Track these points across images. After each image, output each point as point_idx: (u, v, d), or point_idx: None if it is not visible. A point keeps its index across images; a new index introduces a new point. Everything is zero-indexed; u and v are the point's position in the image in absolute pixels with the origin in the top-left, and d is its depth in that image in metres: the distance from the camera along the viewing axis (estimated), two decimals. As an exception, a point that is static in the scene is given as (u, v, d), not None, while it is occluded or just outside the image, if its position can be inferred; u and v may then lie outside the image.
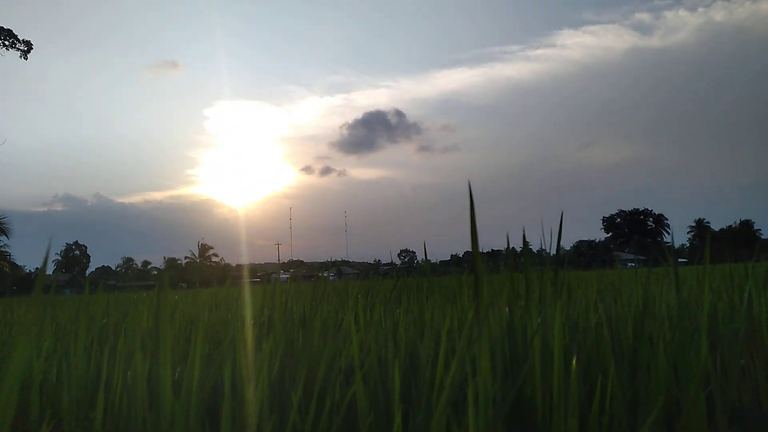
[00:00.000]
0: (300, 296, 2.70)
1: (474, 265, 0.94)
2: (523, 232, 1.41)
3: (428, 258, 2.30)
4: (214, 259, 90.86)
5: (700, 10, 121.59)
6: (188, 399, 1.07)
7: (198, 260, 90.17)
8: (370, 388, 1.26)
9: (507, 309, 1.32)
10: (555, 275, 1.95)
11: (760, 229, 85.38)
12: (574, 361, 1.01)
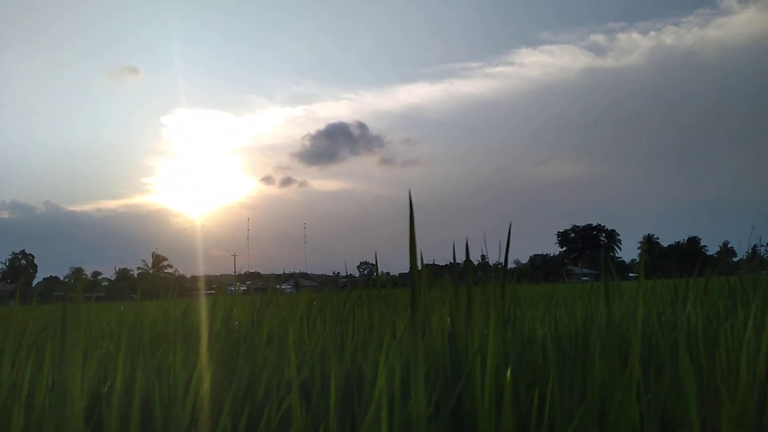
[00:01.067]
0: (250, 308, 2.65)
1: (411, 276, 0.93)
2: (466, 244, 1.41)
3: (380, 270, 2.29)
4: (167, 269, 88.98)
5: (652, 33, 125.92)
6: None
7: (151, 271, 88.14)
8: (307, 399, 1.24)
9: (449, 320, 1.32)
10: (502, 288, 1.96)
11: (706, 246, 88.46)
12: (508, 373, 1.01)
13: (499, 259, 1.77)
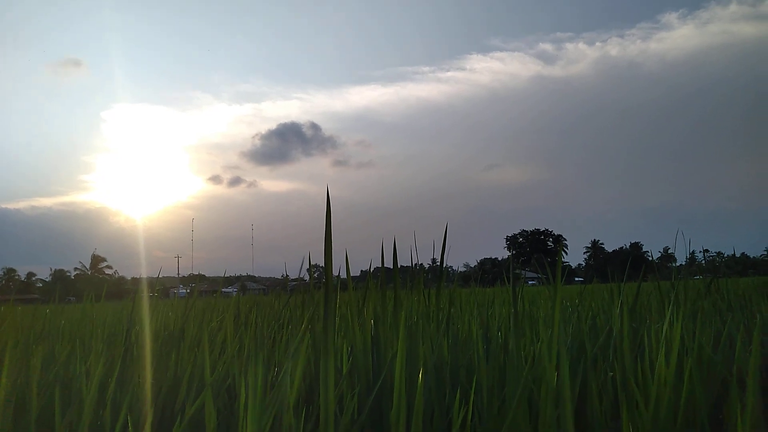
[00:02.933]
0: (181, 312, 2.57)
1: (326, 279, 0.90)
2: (394, 247, 1.38)
3: (331, 273, 2.25)
4: (107, 271, 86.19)
5: (598, 44, 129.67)
6: None
7: (89, 272, 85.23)
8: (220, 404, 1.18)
9: (372, 323, 1.28)
10: (437, 290, 1.95)
11: (648, 251, 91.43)
12: (420, 376, 0.99)
13: (447, 262, 1.75)
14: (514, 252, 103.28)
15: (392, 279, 1.44)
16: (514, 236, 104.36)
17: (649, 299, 2.80)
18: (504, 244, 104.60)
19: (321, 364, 0.86)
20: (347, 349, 1.38)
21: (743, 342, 1.47)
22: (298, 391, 1.06)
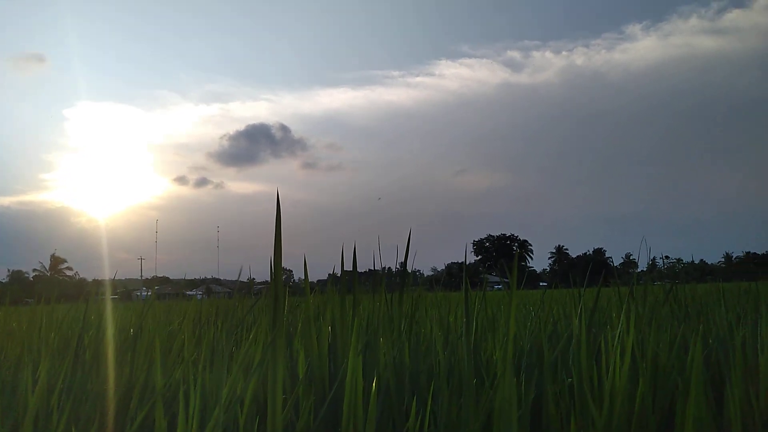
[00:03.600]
0: (135, 314, 2.51)
1: (275, 283, 0.88)
2: (354, 252, 1.37)
3: (297, 277, 2.22)
4: (67, 272, 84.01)
5: (564, 53, 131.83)
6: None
7: (48, 274, 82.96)
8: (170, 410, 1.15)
9: (330, 329, 1.27)
10: (400, 295, 1.94)
11: (610, 257, 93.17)
12: (374, 384, 0.97)
13: (415, 266, 1.75)
14: (480, 257, 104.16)
15: (352, 283, 1.43)
16: (481, 241, 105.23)
17: (608, 304, 2.84)
18: (471, 248, 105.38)
19: (269, 371, 0.84)
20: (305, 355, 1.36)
21: (695, 348, 1.50)
22: (251, 400, 1.04)
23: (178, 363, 1.54)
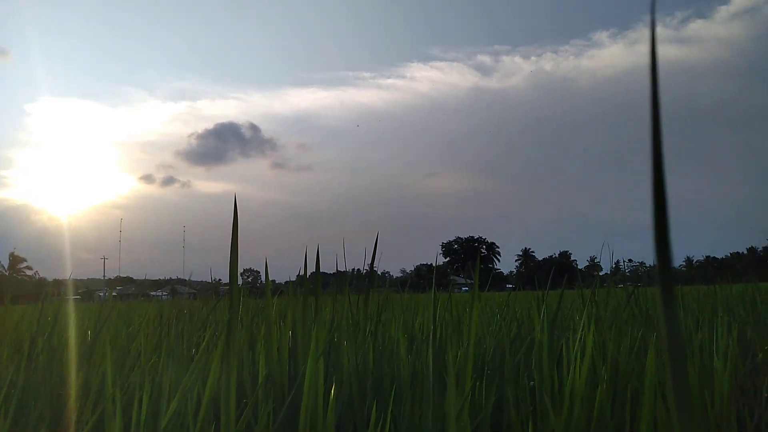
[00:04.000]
0: (97, 317, 2.45)
1: (230, 286, 0.86)
2: (317, 253, 1.35)
3: (265, 278, 2.18)
4: (27, 272, 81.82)
5: (533, 58, 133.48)
6: None
7: (7, 273, 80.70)
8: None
9: (290, 332, 1.25)
10: (366, 297, 1.92)
11: (576, 260, 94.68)
12: (333, 390, 0.96)
13: (384, 268, 1.74)
14: (449, 259, 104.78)
15: (314, 285, 1.41)
16: (450, 243, 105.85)
17: (571, 307, 2.87)
18: (440, 250, 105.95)
19: (223, 376, 0.82)
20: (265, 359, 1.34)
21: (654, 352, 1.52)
22: (208, 404, 1.02)
23: (136, 366, 1.51)
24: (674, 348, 0.29)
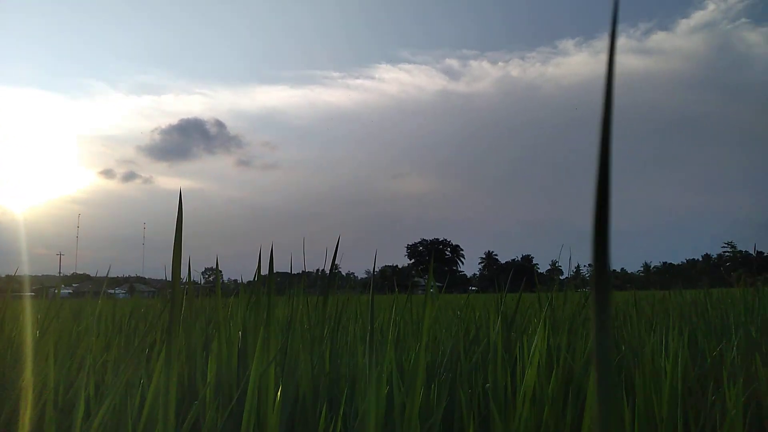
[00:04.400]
0: (44, 316, 2.38)
1: (172, 287, 0.83)
2: (271, 254, 1.33)
3: (227, 278, 2.14)
4: (-23, 268, 79.00)
5: (500, 64, 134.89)
6: None
7: (-42, 269, 77.82)
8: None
9: (240, 334, 1.22)
10: (324, 298, 1.91)
11: (537, 264, 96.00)
12: (279, 392, 0.94)
13: (349, 268, 1.72)
14: (413, 260, 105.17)
15: (267, 285, 1.38)
16: (415, 245, 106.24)
17: (529, 311, 2.89)
18: (405, 252, 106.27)
19: (162, 378, 0.80)
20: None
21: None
22: (151, 405, 0.99)
23: (81, 367, 1.46)
24: (601, 355, 0.29)
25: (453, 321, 3.28)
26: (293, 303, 1.80)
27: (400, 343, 1.83)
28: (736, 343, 1.78)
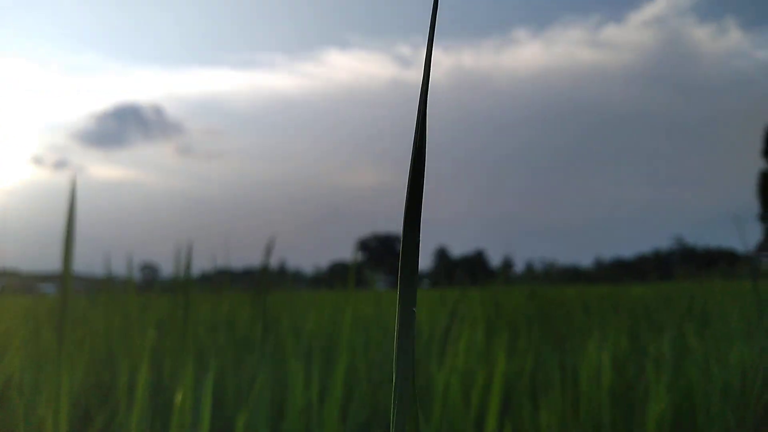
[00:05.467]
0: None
1: (63, 287, 0.73)
2: (188, 252, 1.22)
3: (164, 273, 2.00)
4: None
5: (453, 53, 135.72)
6: None
7: None
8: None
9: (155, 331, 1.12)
10: (263, 295, 1.81)
11: (490, 258, 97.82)
12: (205, 398, 0.85)
13: (296, 263, 1.63)
14: (365, 255, 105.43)
15: (184, 284, 1.28)
16: (367, 239, 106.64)
17: (472, 306, 2.85)
18: (356, 246, 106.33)
19: (54, 379, 0.71)
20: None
21: (536, 354, 1.49)
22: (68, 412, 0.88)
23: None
24: (403, 355, 0.29)
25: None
26: (223, 302, 1.70)
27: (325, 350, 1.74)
28: (668, 338, 1.76)
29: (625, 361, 1.54)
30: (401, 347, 0.28)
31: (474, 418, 1.14)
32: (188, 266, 1.24)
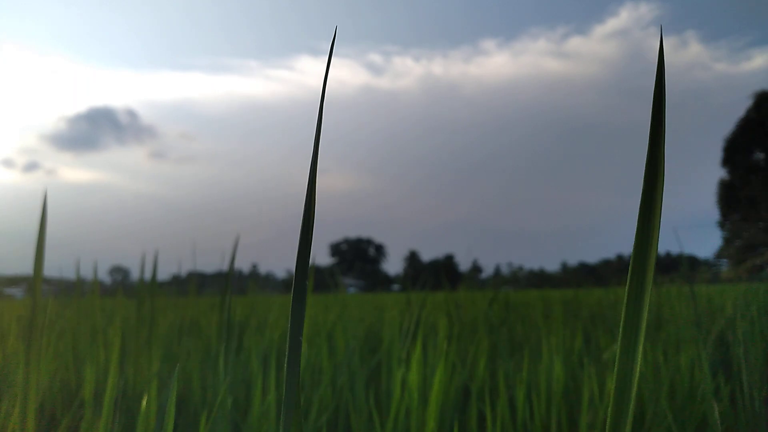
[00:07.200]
0: None
1: (33, 290, 0.76)
2: (155, 256, 1.25)
3: (137, 277, 2.00)
4: None
5: (423, 61, 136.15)
6: None
7: None
8: None
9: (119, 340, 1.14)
10: (228, 300, 1.83)
11: (459, 263, 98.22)
12: (170, 402, 0.88)
13: (268, 268, 1.65)
14: (337, 259, 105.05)
15: (150, 288, 1.31)
16: (338, 244, 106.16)
17: (435, 310, 2.91)
18: (327, 250, 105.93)
19: (21, 383, 0.73)
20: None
21: (499, 359, 1.54)
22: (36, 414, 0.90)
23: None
24: (293, 354, 0.32)
25: (360, 325, 3.26)
26: (189, 306, 1.72)
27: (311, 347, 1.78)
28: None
29: (576, 365, 1.61)
30: (290, 371, 0.32)
31: (422, 425, 1.19)
32: (155, 270, 1.27)
